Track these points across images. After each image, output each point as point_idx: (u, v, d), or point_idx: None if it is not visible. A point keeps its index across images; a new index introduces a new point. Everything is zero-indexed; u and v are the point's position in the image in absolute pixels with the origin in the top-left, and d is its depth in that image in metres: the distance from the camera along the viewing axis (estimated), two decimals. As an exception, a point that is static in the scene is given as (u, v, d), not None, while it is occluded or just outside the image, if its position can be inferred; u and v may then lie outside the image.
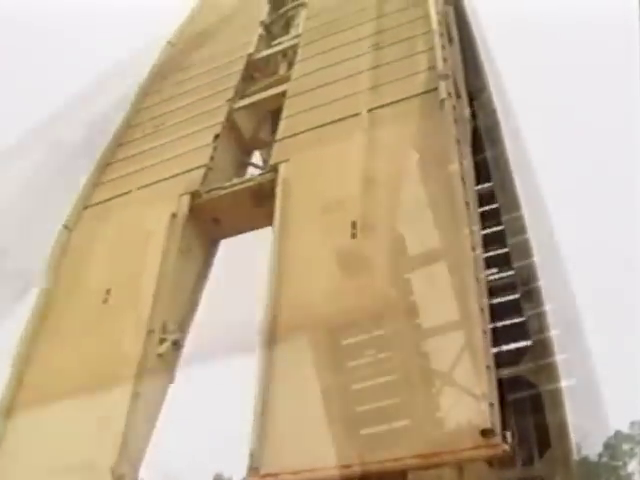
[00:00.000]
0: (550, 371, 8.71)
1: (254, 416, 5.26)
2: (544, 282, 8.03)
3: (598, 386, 8.85)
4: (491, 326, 6.67)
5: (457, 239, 5.98)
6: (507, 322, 9.09)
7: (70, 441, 5.88)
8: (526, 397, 8.65)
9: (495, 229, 9.24)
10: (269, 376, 5.47)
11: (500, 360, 7.41)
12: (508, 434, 5.06)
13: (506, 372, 8.19)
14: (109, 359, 6.36)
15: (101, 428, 5.84)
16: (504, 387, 7.01)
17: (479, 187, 8.60)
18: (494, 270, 9.29)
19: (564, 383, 8.60)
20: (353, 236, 6.10)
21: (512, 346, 9.09)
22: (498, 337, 8.30)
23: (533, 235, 8.11)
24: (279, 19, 10.91)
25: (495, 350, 7.27)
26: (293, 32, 10.13)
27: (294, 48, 9.46)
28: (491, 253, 8.96)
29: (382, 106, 7.26)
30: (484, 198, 8.97)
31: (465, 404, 5.07)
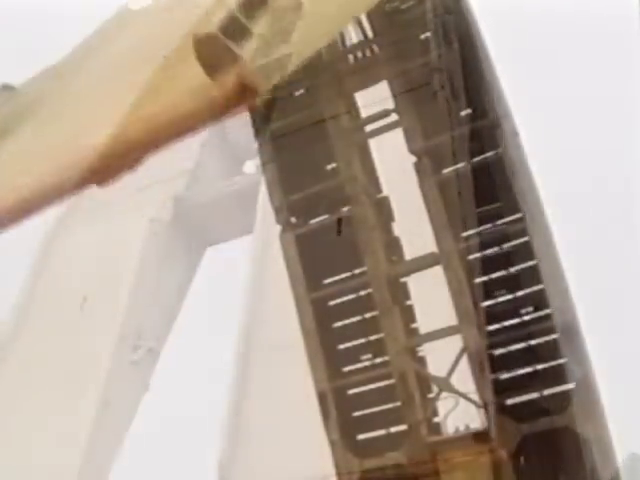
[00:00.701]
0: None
1: (225, 421, 4.84)
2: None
3: (607, 407, 8.32)
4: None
5: (452, 240, 5.65)
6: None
7: (32, 453, 5.48)
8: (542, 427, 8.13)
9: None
10: (244, 377, 5.07)
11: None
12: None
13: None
14: (80, 365, 6.01)
15: (67, 439, 5.45)
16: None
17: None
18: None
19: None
20: (338, 233, 5.76)
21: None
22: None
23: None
24: (277, 32, 10.73)
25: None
26: (290, 42, 9.94)
27: (289, 57, 9.23)
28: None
29: (375, 103, 6.98)
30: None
31: (459, 408, 4.67)
